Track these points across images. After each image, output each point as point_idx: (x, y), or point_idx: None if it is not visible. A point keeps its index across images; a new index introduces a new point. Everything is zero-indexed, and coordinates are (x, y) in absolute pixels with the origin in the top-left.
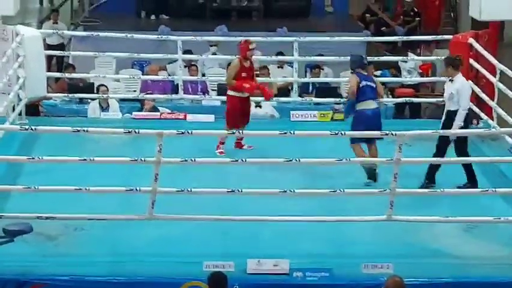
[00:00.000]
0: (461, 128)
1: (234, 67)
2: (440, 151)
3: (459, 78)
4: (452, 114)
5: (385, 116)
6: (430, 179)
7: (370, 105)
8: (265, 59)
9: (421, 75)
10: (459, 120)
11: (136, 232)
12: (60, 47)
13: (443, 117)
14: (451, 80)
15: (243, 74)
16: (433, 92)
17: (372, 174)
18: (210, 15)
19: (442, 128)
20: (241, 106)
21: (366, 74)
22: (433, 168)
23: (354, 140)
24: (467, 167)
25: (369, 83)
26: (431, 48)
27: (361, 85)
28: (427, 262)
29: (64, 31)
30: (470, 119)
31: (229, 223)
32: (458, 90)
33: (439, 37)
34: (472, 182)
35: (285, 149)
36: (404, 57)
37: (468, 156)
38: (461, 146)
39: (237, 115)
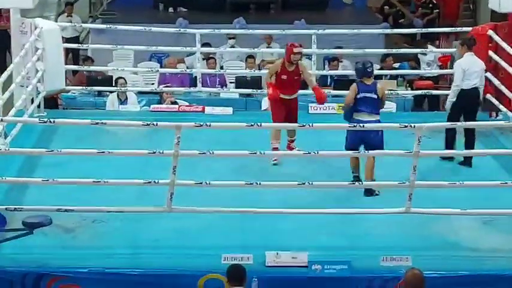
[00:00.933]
0: (454, 105)
1: (274, 67)
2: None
3: (465, 56)
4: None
5: (404, 109)
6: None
7: (365, 117)
8: (283, 51)
9: (440, 67)
10: (451, 96)
11: (154, 224)
12: (75, 40)
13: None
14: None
15: (283, 77)
16: (451, 84)
17: (355, 178)
18: (228, 8)
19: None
20: (282, 106)
21: (368, 83)
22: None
23: (347, 146)
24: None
25: (368, 95)
26: (450, 40)
27: (358, 96)
28: (446, 255)
29: (78, 24)
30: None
31: (247, 216)
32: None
33: (458, 29)
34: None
35: (303, 142)
36: (424, 50)
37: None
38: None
39: (278, 115)
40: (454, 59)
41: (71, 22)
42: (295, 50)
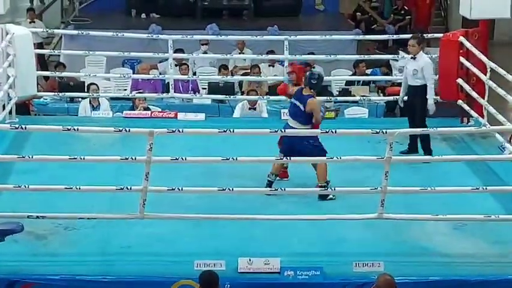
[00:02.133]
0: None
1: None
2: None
3: (422, 55)
4: (417, 89)
5: (376, 115)
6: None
7: (291, 122)
8: (256, 57)
9: None
10: (432, 94)
11: (127, 231)
12: (39, 46)
13: (404, 93)
14: (414, 58)
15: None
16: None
17: (269, 182)
18: (201, 14)
19: (411, 103)
20: None
21: (304, 94)
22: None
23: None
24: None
25: (297, 103)
26: (422, 46)
27: (291, 100)
28: (418, 260)
29: (43, 30)
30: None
31: (220, 222)
32: (423, 68)
33: (429, 35)
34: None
35: (275, 147)
36: (396, 56)
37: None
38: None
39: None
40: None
41: (34, 28)
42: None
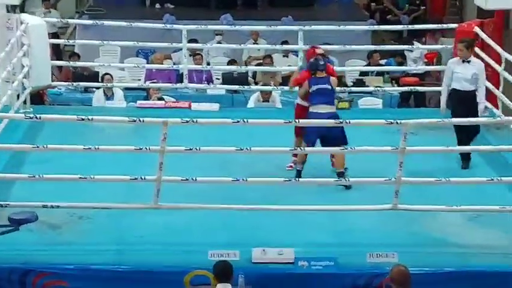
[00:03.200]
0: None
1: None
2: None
3: (474, 59)
4: (471, 95)
5: (390, 105)
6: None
7: (322, 109)
8: (270, 47)
9: (427, 64)
10: (484, 99)
11: (141, 221)
12: (54, 36)
13: (458, 100)
14: (468, 61)
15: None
16: (438, 81)
17: (298, 172)
18: (215, 4)
19: (465, 109)
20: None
21: (321, 76)
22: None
23: (306, 140)
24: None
25: (321, 86)
26: (437, 37)
27: (311, 90)
28: (432, 251)
29: (57, 19)
30: None
31: (234, 212)
32: (480, 71)
33: (444, 26)
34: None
35: (289, 138)
36: (410, 46)
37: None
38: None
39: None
40: (441, 56)
41: (49, 18)
42: (318, 51)
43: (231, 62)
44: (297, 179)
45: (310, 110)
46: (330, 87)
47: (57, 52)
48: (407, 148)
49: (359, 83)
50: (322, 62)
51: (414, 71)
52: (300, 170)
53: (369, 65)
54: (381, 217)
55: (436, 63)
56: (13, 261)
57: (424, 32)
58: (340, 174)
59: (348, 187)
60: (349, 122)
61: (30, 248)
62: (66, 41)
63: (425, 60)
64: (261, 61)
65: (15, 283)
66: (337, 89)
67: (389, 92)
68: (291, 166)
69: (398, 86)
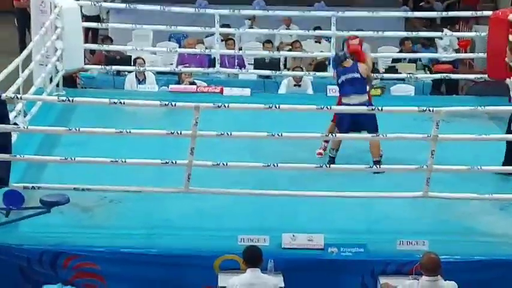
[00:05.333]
0: None
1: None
2: None
3: None
4: None
5: (422, 92)
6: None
7: (352, 100)
8: (303, 33)
9: (459, 51)
10: None
11: (171, 205)
12: (96, 18)
13: None
14: None
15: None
16: (471, 69)
17: (331, 159)
18: None
19: None
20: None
21: (348, 65)
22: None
23: (339, 129)
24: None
25: (349, 76)
26: (470, 24)
27: (340, 81)
28: (463, 239)
29: (98, 2)
30: None
31: (264, 198)
32: None
33: (478, 13)
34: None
35: (320, 124)
36: (440, 34)
37: None
38: None
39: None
40: (474, 43)
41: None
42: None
43: (267, 42)
44: (327, 165)
45: (342, 101)
46: (358, 75)
47: (96, 35)
48: (439, 136)
49: (391, 69)
50: (342, 53)
51: (444, 59)
52: (333, 156)
53: (401, 51)
54: (411, 205)
55: (469, 51)
56: (44, 243)
57: (458, 19)
58: (377, 163)
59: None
60: (381, 109)
61: (62, 231)
62: (99, 24)
63: (458, 47)
64: (290, 46)
65: (46, 265)
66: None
67: (422, 79)
68: (320, 153)
69: (431, 73)
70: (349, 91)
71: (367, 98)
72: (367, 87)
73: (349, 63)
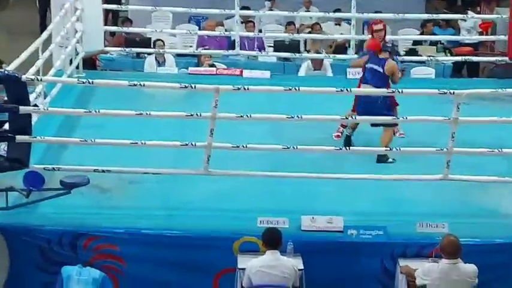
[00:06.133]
0: None
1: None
2: None
3: None
4: None
5: (443, 75)
6: None
7: (367, 88)
8: (323, 15)
9: (481, 33)
10: None
11: (191, 187)
12: (116, 0)
13: None
14: None
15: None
16: (492, 51)
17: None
18: None
19: None
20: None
21: (380, 57)
22: None
23: (356, 111)
24: None
25: (374, 67)
26: (492, 6)
27: (367, 66)
28: (483, 222)
29: None
30: None
31: (283, 180)
32: None
33: None
34: None
35: (339, 106)
36: (464, 16)
37: None
38: None
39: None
40: (496, 25)
41: None
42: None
43: (289, 24)
44: (347, 147)
45: (361, 86)
46: (381, 69)
47: (116, 17)
48: (460, 118)
49: (412, 52)
50: (389, 45)
51: (467, 41)
52: (349, 135)
53: (422, 34)
54: (431, 187)
55: (490, 33)
56: (64, 224)
57: (479, 1)
58: (383, 156)
59: (387, 161)
60: (402, 92)
61: (81, 212)
62: (119, 6)
63: (480, 30)
64: (310, 28)
65: (66, 246)
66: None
67: (442, 62)
68: (338, 135)
69: (452, 55)
70: (368, 81)
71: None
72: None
73: (385, 55)
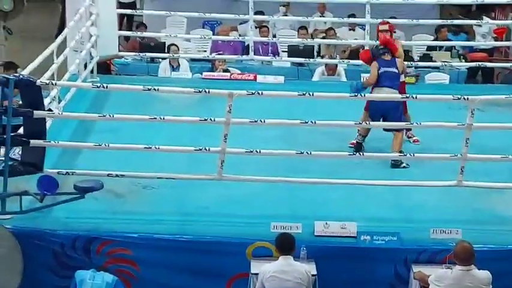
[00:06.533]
0: None
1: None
2: None
3: None
4: None
5: (457, 81)
6: None
7: (382, 92)
8: (337, 21)
9: (495, 39)
10: None
11: (204, 192)
12: (132, 5)
13: None
14: None
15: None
16: (506, 57)
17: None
18: None
19: None
20: None
21: (388, 59)
22: None
23: (370, 116)
24: None
25: (389, 69)
26: (507, 12)
27: (380, 71)
28: (497, 228)
29: None
30: None
31: (297, 185)
32: None
33: None
34: None
35: (353, 112)
36: (479, 21)
37: None
38: None
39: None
40: (510, 31)
41: None
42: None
43: (301, 29)
44: (360, 153)
45: (373, 91)
46: (396, 70)
47: (131, 22)
48: (474, 124)
49: (426, 57)
50: (381, 47)
51: (482, 47)
52: (360, 142)
53: (436, 39)
54: (445, 193)
55: (505, 38)
56: (78, 228)
57: (494, 6)
58: (395, 162)
59: (401, 166)
60: (416, 97)
61: (95, 216)
62: (133, 11)
63: (494, 35)
64: (324, 34)
65: (79, 250)
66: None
67: (457, 68)
68: (353, 143)
69: (466, 61)
70: (384, 84)
71: (397, 93)
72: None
73: (388, 57)
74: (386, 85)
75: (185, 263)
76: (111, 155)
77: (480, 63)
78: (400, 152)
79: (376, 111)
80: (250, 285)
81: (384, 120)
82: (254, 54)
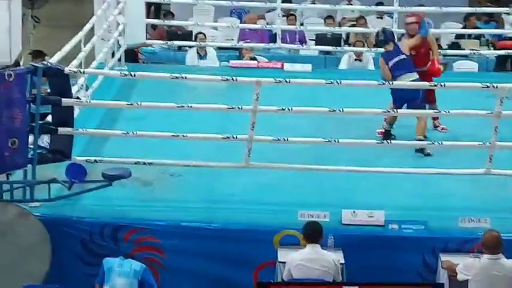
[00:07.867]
0: None
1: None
2: None
3: None
4: None
5: (486, 69)
6: None
7: (404, 80)
8: (365, 9)
9: None
10: None
11: (232, 180)
12: None
13: None
14: None
15: (412, 52)
16: None
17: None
18: None
19: None
20: None
21: (391, 49)
22: None
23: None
24: None
25: (396, 59)
26: None
27: (389, 65)
28: None
29: None
30: None
31: (324, 173)
32: None
33: None
34: None
35: (380, 99)
36: (508, 9)
37: None
38: None
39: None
40: None
41: None
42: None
43: (328, 18)
44: (389, 141)
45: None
46: (404, 55)
47: (158, 10)
48: (502, 112)
49: (455, 46)
50: (382, 37)
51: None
52: (387, 130)
53: (465, 27)
54: (473, 182)
55: None
56: (106, 216)
57: None
58: (420, 141)
59: (426, 154)
60: (444, 85)
61: (123, 204)
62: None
63: None
64: (355, 22)
65: (107, 238)
66: None
67: (486, 56)
68: (381, 132)
69: (495, 49)
70: (399, 74)
71: (417, 75)
72: (432, 56)
73: (391, 46)
74: (402, 73)
75: (212, 251)
76: (138, 143)
77: (509, 51)
78: (425, 136)
79: (400, 99)
80: (277, 273)
81: (403, 102)
82: (281, 42)
